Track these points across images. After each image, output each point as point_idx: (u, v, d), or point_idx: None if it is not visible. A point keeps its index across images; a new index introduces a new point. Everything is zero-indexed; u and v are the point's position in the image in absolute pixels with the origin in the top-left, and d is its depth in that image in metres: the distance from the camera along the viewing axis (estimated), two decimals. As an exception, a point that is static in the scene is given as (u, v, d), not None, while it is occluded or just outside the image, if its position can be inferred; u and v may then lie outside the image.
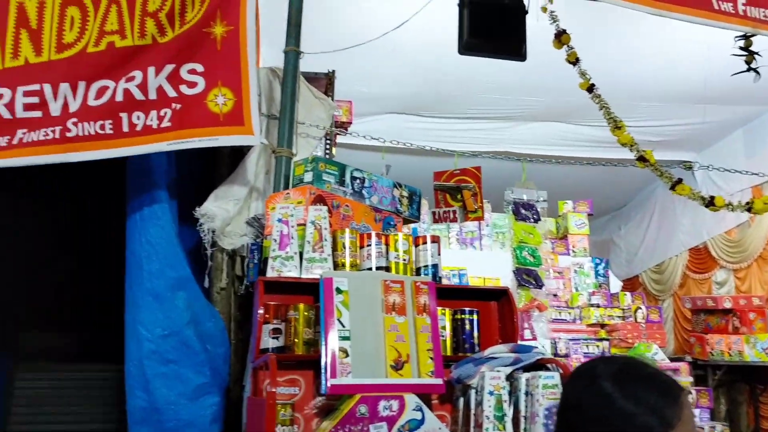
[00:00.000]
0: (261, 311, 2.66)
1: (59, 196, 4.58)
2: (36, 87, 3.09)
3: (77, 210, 4.58)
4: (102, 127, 3.13)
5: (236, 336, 3.53)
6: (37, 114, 3.09)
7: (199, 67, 3.18)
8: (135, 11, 3.20)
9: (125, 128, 3.16)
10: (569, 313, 5.69)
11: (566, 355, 5.27)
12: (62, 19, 3.18)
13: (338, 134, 3.97)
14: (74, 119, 3.11)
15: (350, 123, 4.14)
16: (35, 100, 3.09)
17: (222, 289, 3.49)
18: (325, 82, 3.91)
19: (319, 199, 2.92)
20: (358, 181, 3.15)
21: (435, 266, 2.92)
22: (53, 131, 3.09)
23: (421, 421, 2.49)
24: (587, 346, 5.40)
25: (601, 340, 5.51)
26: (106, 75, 3.17)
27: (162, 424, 3.18)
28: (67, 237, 4.72)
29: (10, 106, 3.07)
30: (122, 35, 3.20)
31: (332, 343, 2.52)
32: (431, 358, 2.63)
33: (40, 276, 4.80)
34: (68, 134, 3.10)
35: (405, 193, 3.32)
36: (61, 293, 4.68)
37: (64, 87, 3.11)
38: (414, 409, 2.49)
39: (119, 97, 3.16)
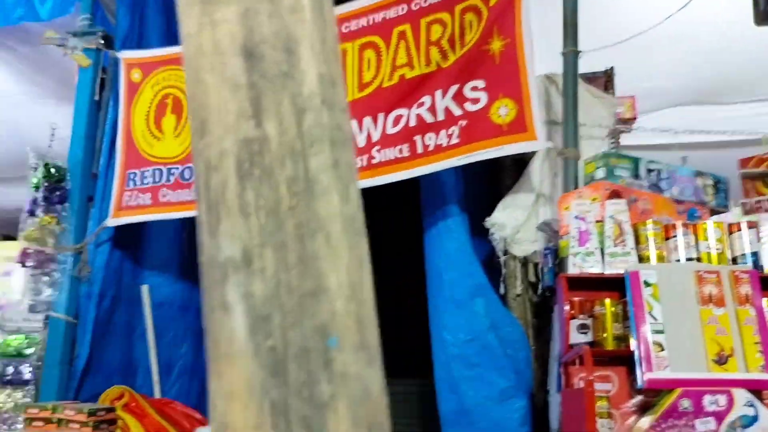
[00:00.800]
0: (567, 307, 2.84)
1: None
2: None
3: (378, 234, 5.25)
4: (400, 151, 3.65)
5: (535, 342, 3.74)
6: None
7: (481, 83, 3.54)
8: (420, 43, 3.70)
9: (419, 150, 3.63)
10: None
11: None
12: (361, 62, 3.82)
13: (622, 132, 4.01)
14: (377, 147, 3.68)
15: (634, 119, 4.16)
16: None
17: (517, 296, 3.74)
18: (603, 81, 4.01)
19: (615, 194, 3.02)
20: (654, 173, 3.19)
21: (755, 254, 2.81)
22: (361, 160, 3.69)
23: (755, 418, 2.42)
24: None
25: None
26: (400, 104, 3.70)
27: (473, 426, 3.50)
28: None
29: None
30: (411, 66, 3.72)
31: (645, 336, 2.59)
32: (760, 352, 2.54)
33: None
34: (373, 161, 3.68)
35: (709, 182, 3.25)
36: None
37: (367, 121, 3.72)
38: (746, 405, 2.43)
39: (412, 123, 3.66)
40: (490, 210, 3.82)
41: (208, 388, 0.60)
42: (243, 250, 0.58)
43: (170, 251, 4.62)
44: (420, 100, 3.68)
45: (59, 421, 3.33)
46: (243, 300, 0.57)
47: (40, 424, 3.36)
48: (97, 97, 4.36)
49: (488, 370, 3.55)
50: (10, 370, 3.82)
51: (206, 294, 0.60)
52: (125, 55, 4.40)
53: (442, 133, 3.60)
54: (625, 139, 4.22)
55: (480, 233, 3.83)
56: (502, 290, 3.79)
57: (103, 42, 4.31)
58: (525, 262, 3.77)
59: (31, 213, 3.98)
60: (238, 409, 0.56)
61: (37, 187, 4.03)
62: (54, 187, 4.04)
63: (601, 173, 3.12)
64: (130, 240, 4.40)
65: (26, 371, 3.82)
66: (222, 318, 0.58)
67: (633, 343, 2.61)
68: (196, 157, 0.63)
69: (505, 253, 3.75)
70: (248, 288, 0.57)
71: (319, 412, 0.56)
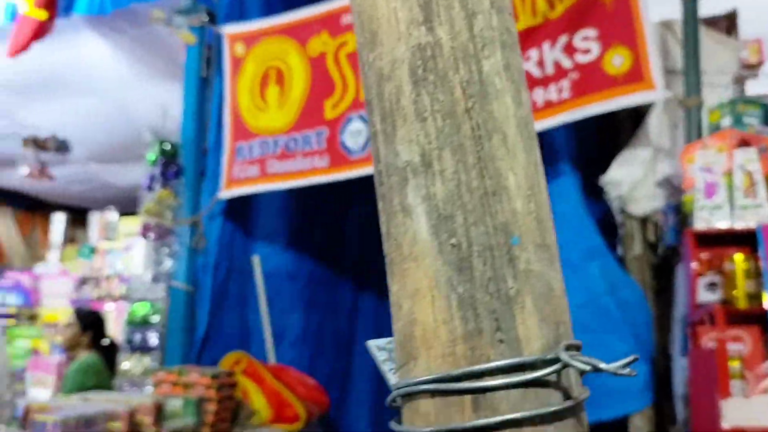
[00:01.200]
0: (694, 264, 2.73)
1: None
2: None
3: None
4: (507, 109, 3.59)
5: (655, 305, 3.62)
6: None
7: (592, 33, 3.42)
8: (526, -6, 3.62)
9: (527, 107, 3.56)
10: None
11: None
12: None
13: (748, 78, 3.78)
14: None
15: (761, 64, 3.90)
16: None
17: (636, 257, 3.62)
18: (725, 24, 3.77)
19: (744, 143, 2.86)
20: (787, 119, 2.99)
21: None
22: None
23: None
24: None
25: None
26: (505, 60, 3.63)
27: (592, 392, 3.44)
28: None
29: None
30: (516, 19, 3.63)
31: (783, 293, 2.46)
32: None
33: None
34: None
35: None
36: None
37: None
38: None
39: (519, 79, 3.59)
40: (605, 167, 3.71)
41: (390, 290, 0.63)
42: (421, 154, 0.60)
43: (278, 222, 4.79)
44: (526, 54, 3.60)
45: (185, 384, 3.55)
46: (424, 201, 0.59)
47: (168, 386, 3.59)
48: (204, 74, 4.55)
49: (606, 335, 3.46)
50: (138, 337, 4.11)
51: (384, 201, 0.63)
52: (228, 30, 4.55)
53: (552, 87, 3.52)
54: (752, 87, 3.97)
55: (594, 193, 3.73)
56: (619, 252, 3.68)
57: (207, 18, 4.48)
58: (644, 221, 3.64)
59: (150, 188, 4.24)
60: (426, 305, 0.59)
61: (153, 164, 4.27)
62: (169, 163, 4.28)
63: (727, 121, 2.96)
64: (241, 212, 4.59)
65: (152, 338, 4.10)
66: (404, 221, 0.60)
67: (767, 301, 2.49)
68: (366, 70, 0.65)
69: (622, 212, 3.64)
70: (429, 189, 0.59)
71: (507, 306, 0.58)
